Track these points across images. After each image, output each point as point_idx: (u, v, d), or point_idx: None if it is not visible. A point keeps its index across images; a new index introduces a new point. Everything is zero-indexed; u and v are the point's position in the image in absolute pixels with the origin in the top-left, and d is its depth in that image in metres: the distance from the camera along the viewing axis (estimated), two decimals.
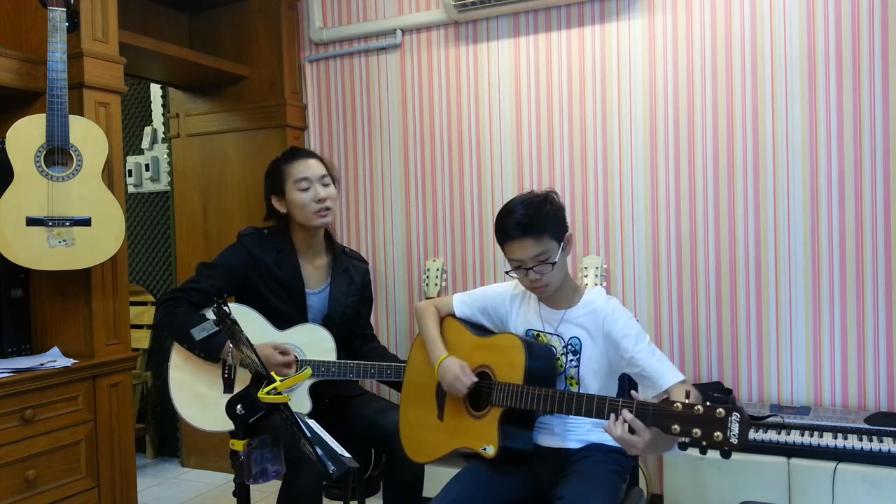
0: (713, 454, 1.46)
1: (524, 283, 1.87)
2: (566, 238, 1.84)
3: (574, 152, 2.96)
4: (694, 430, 1.42)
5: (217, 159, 3.54)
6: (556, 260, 1.79)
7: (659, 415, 1.49)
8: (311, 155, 2.40)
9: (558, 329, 1.89)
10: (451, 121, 3.18)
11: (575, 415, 1.68)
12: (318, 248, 2.43)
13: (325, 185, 2.34)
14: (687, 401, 1.46)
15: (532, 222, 1.77)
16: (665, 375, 1.73)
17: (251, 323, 2.26)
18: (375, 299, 3.33)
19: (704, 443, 1.42)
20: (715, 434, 1.40)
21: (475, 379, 1.86)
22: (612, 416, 1.57)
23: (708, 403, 1.43)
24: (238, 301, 2.34)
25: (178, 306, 2.24)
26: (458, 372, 1.86)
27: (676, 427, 1.45)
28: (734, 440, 1.38)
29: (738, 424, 1.38)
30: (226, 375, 2.25)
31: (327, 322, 2.37)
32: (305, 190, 2.31)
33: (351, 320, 2.45)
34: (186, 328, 2.16)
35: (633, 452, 1.59)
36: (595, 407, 1.63)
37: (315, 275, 2.41)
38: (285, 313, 2.32)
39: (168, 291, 2.29)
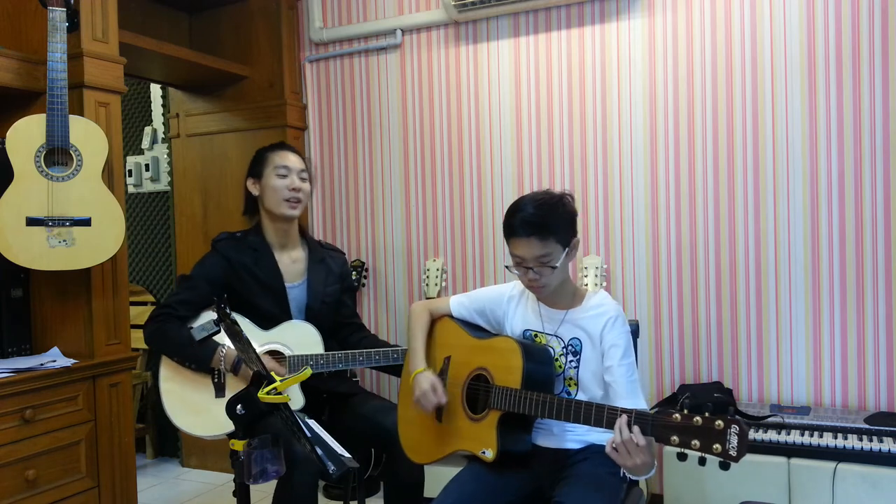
0: (711, 458, 1.46)
1: (522, 281, 1.87)
2: (573, 243, 1.82)
3: (574, 152, 2.96)
4: (693, 442, 1.42)
5: (217, 159, 3.54)
6: (558, 264, 1.78)
7: (658, 425, 1.49)
8: (296, 151, 2.50)
9: (559, 330, 1.88)
10: (451, 121, 3.18)
11: (574, 422, 1.67)
12: (294, 242, 2.47)
13: (303, 180, 2.43)
14: (685, 412, 1.46)
15: (540, 223, 1.74)
16: (625, 398, 1.73)
17: None
18: (375, 299, 3.33)
19: (703, 454, 1.42)
20: (714, 446, 1.40)
21: (444, 400, 1.88)
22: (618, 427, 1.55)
23: (706, 415, 1.43)
24: None
25: (165, 322, 2.28)
26: (426, 388, 1.88)
27: (675, 438, 1.45)
28: (733, 452, 1.38)
29: (737, 437, 1.37)
30: (216, 380, 2.27)
31: (309, 313, 2.39)
32: (283, 177, 2.39)
33: (332, 309, 2.47)
34: (176, 342, 2.24)
35: (625, 462, 1.54)
36: (594, 415, 1.62)
37: (293, 268, 2.44)
38: (268, 311, 2.33)
39: (154, 309, 2.34)
